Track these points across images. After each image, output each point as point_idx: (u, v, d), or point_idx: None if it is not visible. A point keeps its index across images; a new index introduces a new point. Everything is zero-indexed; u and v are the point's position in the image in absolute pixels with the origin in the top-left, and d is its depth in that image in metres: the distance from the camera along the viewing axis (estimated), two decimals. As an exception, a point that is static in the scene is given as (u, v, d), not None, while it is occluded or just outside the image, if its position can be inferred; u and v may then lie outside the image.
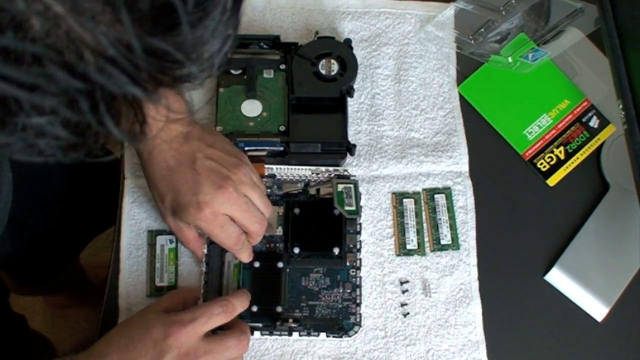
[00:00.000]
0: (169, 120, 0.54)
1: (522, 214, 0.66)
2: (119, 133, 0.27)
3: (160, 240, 0.63)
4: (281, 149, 0.63)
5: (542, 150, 0.68)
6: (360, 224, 0.63)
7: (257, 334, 0.60)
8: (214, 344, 0.54)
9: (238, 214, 0.57)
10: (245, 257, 0.60)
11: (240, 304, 0.57)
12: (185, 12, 0.24)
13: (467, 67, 0.70)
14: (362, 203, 0.64)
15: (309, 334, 0.60)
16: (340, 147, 0.63)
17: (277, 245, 0.62)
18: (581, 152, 0.68)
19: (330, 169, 0.63)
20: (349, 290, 0.61)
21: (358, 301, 0.61)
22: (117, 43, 0.24)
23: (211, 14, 0.26)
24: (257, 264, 0.61)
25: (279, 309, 0.60)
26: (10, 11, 0.22)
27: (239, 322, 0.58)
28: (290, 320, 0.60)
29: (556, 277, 0.64)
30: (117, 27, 0.23)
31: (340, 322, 0.61)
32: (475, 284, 0.63)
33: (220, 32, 0.27)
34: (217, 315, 0.54)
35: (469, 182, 0.66)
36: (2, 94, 0.23)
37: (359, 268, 0.62)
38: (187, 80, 0.28)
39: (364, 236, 0.63)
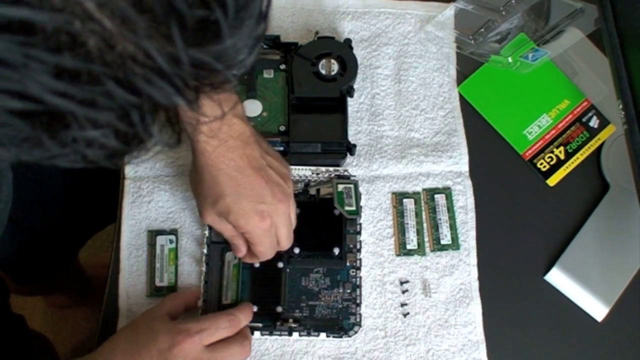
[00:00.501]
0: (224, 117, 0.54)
1: (522, 214, 0.66)
2: (161, 141, 0.29)
3: (160, 240, 0.63)
4: (281, 149, 0.63)
5: (542, 150, 0.68)
6: (360, 224, 0.63)
7: (257, 334, 0.60)
8: (218, 352, 0.55)
9: (284, 228, 0.58)
10: (256, 262, 0.61)
11: (244, 318, 0.58)
12: (226, 24, 0.26)
13: (467, 67, 0.70)
14: (362, 203, 0.64)
15: (309, 334, 0.60)
16: (340, 147, 0.63)
17: (277, 245, 0.62)
18: (581, 152, 0.68)
19: (331, 169, 0.63)
20: (349, 291, 0.61)
21: (358, 301, 0.61)
22: (167, 57, 0.25)
23: (246, 22, 0.27)
24: (257, 264, 0.61)
25: (279, 309, 0.60)
26: (67, 32, 0.23)
27: (242, 328, 0.58)
28: (291, 321, 0.60)
29: (556, 277, 0.64)
30: (167, 42, 0.24)
31: (340, 322, 0.61)
32: (475, 284, 0.63)
33: (252, 38, 0.28)
34: (224, 329, 0.55)
35: (469, 182, 0.66)
36: (60, 110, 0.24)
37: (359, 268, 0.62)
38: (224, 87, 0.29)
39: (364, 236, 0.63)
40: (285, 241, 0.59)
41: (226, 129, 0.54)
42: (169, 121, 0.28)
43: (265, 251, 0.58)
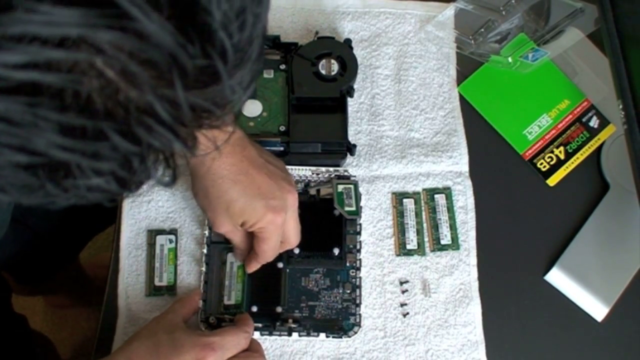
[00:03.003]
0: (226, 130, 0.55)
1: (522, 214, 0.66)
2: (160, 179, 0.30)
3: (160, 239, 0.63)
4: (281, 149, 0.63)
5: (542, 150, 0.68)
6: (360, 224, 0.63)
7: (256, 334, 0.60)
8: None
9: (293, 222, 0.58)
10: (253, 269, 0.60)
11: (252, 331, 0.58)
12: (225, 70, 0.26)
13: (467, 67, 0.70)
14: (362, 203, 0.64)
15: (308, 335, 0.60)
16: (340, 147, 0.63)
17: (277, 245, 0.62)
18: (581, 152, 0.68)
19: (331, 169, 0.63)
20: (348, 291, 0.61)
21: (358, 302, 0.61)
22: (168, 105, 0.25)
23: (245, 65, 0.28)
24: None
25: (279, 309, 0.60)
26: (73, 89, 0.23)
27: (254, 343, 0.58)
28: (290, 321, 0.60)
29: (556, 277, 0.64)
30: (167, 89, 0.25)
31: (340, 322, 0.61)
32: (475, 284, 0.63)
33: (247, 80, 0.29)
34: (241, 346, 0.55)
35: (469, 182, 0.66)
36: (64, 162, 0.25)
37: (358, 268, 0.62)
38: (218, 127, 0.30)
39: (363, 236, 0.63)
40: (294, 237, 0.59)
41: (222, 136, 0.54)
42: (165, 161, 0.29)
43: (269, 250, 0.58)
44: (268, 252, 0.58)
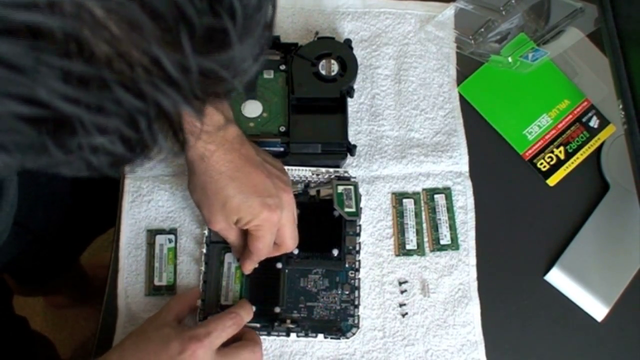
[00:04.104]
0: (225, 125, 0.55)
1: (522, 214, 0.66)
2: (166, 148, 0.29)
3: (160, 239, 0.63)
4: (281, 149, 0.63)
5: (542, 150, 0.68)
6: (359, 225, 0.63)
7: (256, 334, 0.60)
8: (228, 358, 0.55)
9: (289, 224, 0.58)
10: (250, 269, 0.61)
11: (246, 314, 0.58)
12: (235, 33, 0.26)
13: (467, 67, 0.70)
14: (362, 204, 0.64)
15: (306, 335, 0.60)
16: (340, 148, 0.63)
17: (277, 245, 0.62)
18: (581, 152, 0.68)
19: (331, 170, 0.63)
20: (347, 292, 0.61)
21: (356, 303, 0.61)
22: (175, 64, 0.25)
23: (254, 31, 0.27)
24: (255, 265, 0.61)
25: (277, 309, 0.60)
26: (78, 37, 0.23)
27: (251, 333, 0.58)
28: (288, 321, 0.60)
29: (556, 277, 0.64)
30: (176, 49, 0.24)
31: (339, 323, 0.61)
32: (474, 284, 0.63)
33: (258, 47, 0.28)
34: (229, 328, 0.55)
35: (468, 182, 0.66)
36: (68, 115, 0.24)
37: (357, 270, 0.62)
38: (229, 95, 0.29)
39: (363, 236, 0.63)
40: (289, 241, 0.59)
41: (222, 132, 0.55)
42: (172, 129, 0.28)
43: (264, 249, 0.58)
44: (262, 250, 0.58)
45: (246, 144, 0.56)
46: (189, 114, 0.28)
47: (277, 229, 0.57)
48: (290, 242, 0.59)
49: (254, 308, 0.59)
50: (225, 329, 0.55)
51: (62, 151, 0.26)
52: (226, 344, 0.56)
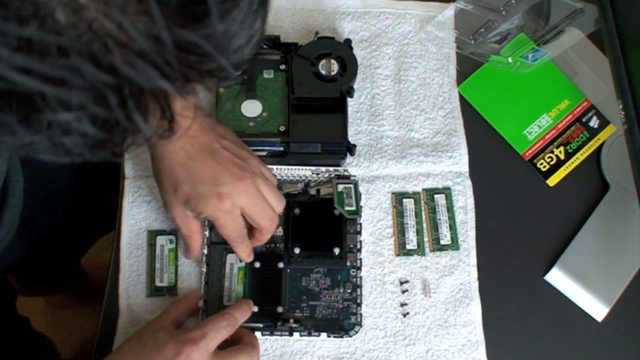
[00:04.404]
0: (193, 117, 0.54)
1: (522, 214, 0.66)
2: (147, 129, 0.26)
3: (160, 240, 0.63)
4: (281, 149, 0.63)
5: (542, 150, 0.68)
6: (360, 224, 0.63)
7: (257, 334, 0.60)
8: None
9: (252, 207, 0.57)
10: (246, 254, 0.60)
11: (241, 314, 0.57)
12: (214, 3, 0.24)
13: (467, 67, 0.70)
14: (362, 203, 0.64)
15: (309, 334, 0.60)
16: (340, 147, 0.63)
17: (278, 245, 0.63)
18: (581, 152, 0.68)
19: (330, 169, 0.63)
20: (349, 290, 0.61)
21: (359, 301, 0.61)
22: (146, 35, 0.23)
23: (240, 5, 0.25)
24: (257, 265, 0.61)
25: (280, 309, 0.60)
26: (34, 2, 0.21)
27: (249, 336, 0.58)
28: (291, 321, 0.60)
29: (556, 277, 0.64)
30: (145, 19, 0.23)
31: (341, 322, 0.61)
32: (475, 284, 0.63)
33: (249, 24, 0.26)
34: (224, 329, 0.55)
35: (468, 182, 0.66)
36: (27, 89, 0.23)
37: (359, 268, 0.62)
38: (216, 75, 0.27)
39: (363, 236, 0.63)
40: (262, 221, 0.58)
41: (186, 121, 0.54)
42: (160, 109, 0.26)
43: (231, 234, 0.57)
44: (233, 234, 0.58)
45: (205, 131, 0.56)
46: (170, 92, 0.25)
47: (239, 215, 0.57)
48: (264, 223, 0.58)
49: (255, 308, 0.59)
50: (219, 330, 0.54)
51: (29, 130, 0.24)
52: (224, 348, 0.56)
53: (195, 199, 0.55)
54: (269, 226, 0.59)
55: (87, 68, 0.23)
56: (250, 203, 0.57)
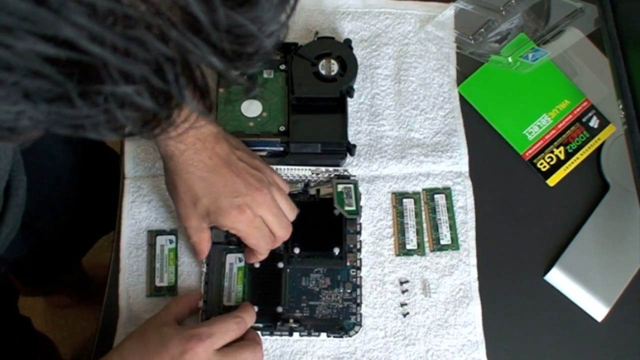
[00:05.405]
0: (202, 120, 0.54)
1: (522, 214, 0.66)
2: (193, 105, 0.27)
3: (160, 240, 0.63)
4: (281, 149, 0.63)
5: (542, 150, 0.68)
6: (360, 224, 0.63)
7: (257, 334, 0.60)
8: (229, 357, 0.54)
9: (270, 217, 0.57)
10: (254, 260, 0.61)
11: (250, 318, 0.58)
12: None
13: (467, 67, 0.70)
14: (362, 203, 0.64)
15: (309, 334, 0.60)
16: (340, 147, 0.63)
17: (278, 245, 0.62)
18: (581, 152, 0.68)
19: (330, 169, 0.63)
20: (349, 290, 0.61)
21: (358, 301, 0.61)
22: (205, 13, 0.24)
23: None
24: (257, 265, 0.61)
25: (280, 309, 0.60)
26: None
27: (252, 333, 0.58)
28: (291, 321, 0.60)
29: (556, 277, 0.64)
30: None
31: (341, 322, 0.61)
32: (475, 284, 0.63)
33: (282, 9, 0.27)
34: (232, 332, 0.55)
35: (468, 182, 0.66)
36: (95, 60, 0.23)
37: (359, 268, 0.62)
38: (259, 56, 0.28)
39: (363, 236, 0.63)
40: (279, 230, 0.58)
41: (193, 132, 0.54)
42: (198, 88, 0.27)
43: (258, 243, 0.58)
44: (257, 245, 0.58)
45: (221, 142, 0.56)
46: (220, 69, 0.26)
47: (262, 223, 0.57)
48: (281, 232, 0.59)
49: (255, 308, 0.59)
50: (228, 331, 0.55)
51: (87, 103, 0.24)
52: (227, 344, 0.56)
53: (215, 212, 0.55)
54: (285, 235, 0.59)
55: (152, 40, 0.23)
56: (268, 213, 0.57)
